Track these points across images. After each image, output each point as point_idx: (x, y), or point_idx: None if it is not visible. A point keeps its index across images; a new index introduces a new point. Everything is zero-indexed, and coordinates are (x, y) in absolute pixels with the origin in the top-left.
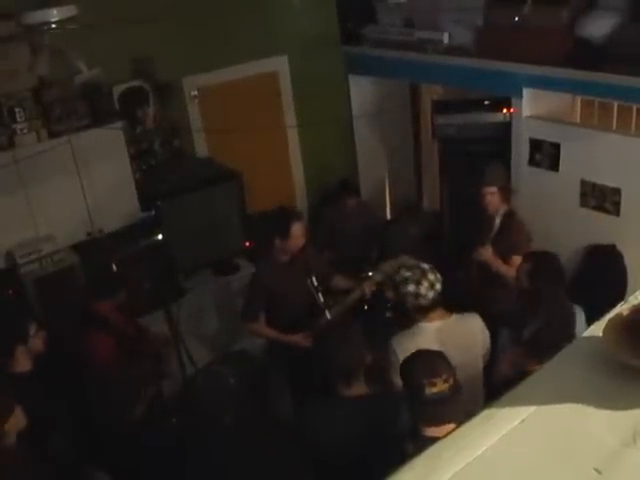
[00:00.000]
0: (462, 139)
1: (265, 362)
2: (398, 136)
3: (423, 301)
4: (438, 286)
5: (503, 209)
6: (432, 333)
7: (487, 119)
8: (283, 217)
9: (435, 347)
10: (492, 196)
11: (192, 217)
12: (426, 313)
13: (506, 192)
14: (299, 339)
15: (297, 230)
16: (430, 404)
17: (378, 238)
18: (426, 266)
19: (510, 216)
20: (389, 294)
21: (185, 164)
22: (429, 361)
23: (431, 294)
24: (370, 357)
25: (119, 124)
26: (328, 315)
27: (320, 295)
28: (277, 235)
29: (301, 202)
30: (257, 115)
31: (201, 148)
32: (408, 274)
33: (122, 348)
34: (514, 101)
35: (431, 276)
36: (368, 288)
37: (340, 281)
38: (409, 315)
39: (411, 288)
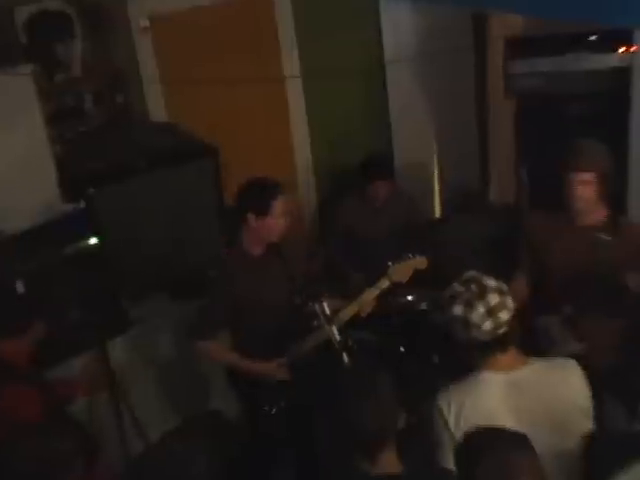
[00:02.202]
0: (551, 96)
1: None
2: (452, 94)
3: (478, 334)
4: (504, 315)
5: (603, 209)
6: (500, 389)
7: (591, 64)
8: (260, 188)
9: (507, 414)
10: (585, 187)
11: (143, 212)
12: (488, 355)
13: (608, 183)
14: (270, 369)
15: (280, 207)
16: None
17: (422, 243)
18: (492, 283)
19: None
20: (435, 322)
21: (132, 132)
22: (499, 455)
23: (489, 325)
24: (405, 420)
25: (27, 68)
26: (308, 344)
27: (307, 305)
28: (251, 212)
29: (307, 189)
30: (240, 58)
31: (156, 108)
32: (458, 289)
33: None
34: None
35: (493, 298)
36: (365, 307)
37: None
38: (462, 357)
39: (458, 311)
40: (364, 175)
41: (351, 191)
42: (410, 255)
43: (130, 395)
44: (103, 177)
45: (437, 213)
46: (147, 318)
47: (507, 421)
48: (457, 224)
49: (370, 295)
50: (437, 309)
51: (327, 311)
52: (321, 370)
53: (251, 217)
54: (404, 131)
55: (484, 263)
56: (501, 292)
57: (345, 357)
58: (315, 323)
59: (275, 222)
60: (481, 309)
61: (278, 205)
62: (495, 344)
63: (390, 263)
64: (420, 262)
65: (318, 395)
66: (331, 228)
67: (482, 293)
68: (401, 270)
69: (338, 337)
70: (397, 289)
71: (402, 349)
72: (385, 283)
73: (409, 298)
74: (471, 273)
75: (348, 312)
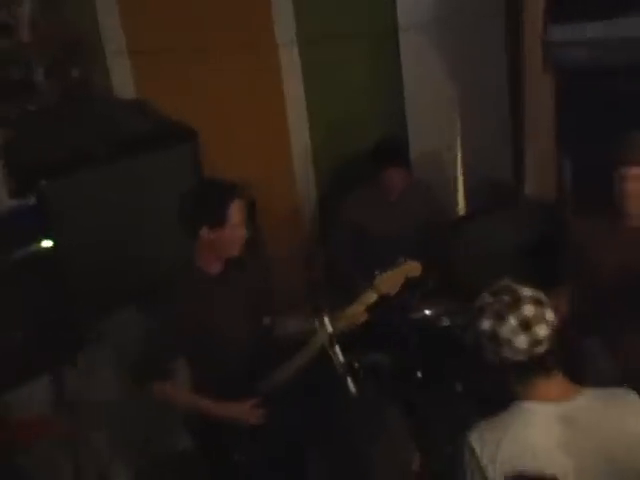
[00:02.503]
0: (600, 69)
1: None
2: (479, 67)
3: (511, 352)
4: (542, 330)
5: None
6: (547, 424)
7: None
8: (211, 194)
9: (557, 454)
10: (637, 183)
11: (107, 208)
12: (528, 381)
13: None
14: (241, 411)
15: (238, 214)
16: None
17: (442, 245)
18: (527, 292)
19: None
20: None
21: (93, 112)
22: None
23: (522, 341)
24: (421, 462)
25: None
26: (282, 375)
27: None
28: (204, 224)
29: (305, 181)
30: (223, 23)
31: (122, 83)
32: (488, 300)
33: None
34: None
35: (528, 309)
36: (350, 325)
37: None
38: (494, 384)
39: (486, 325)
40: (375, 161)
41: (359, 183)
42: (401, 260)
43: (91, 430)
44: (57, 167)
45: (460, 210)
46: (111, 335)
47: (557, 462)
48: (484, 223)
49: (354, 312)
50: (462, 325)
51: (329, 328)
52: (314, 399)
53: (204, 230)
54: (421, 111)
55: (517, 271)
56: (538, 302)
57: (350, 385)
58: (305, 339)
59: (233, 233)
60: (513, 322)
61: (235, 212)
62: (534, 366)
63: (377, 272)
64: (412, 268)
65: (311, 431)
66: (334, 227)
67: (515, 303)
68: (390, 279)
69: (342, 359)
70: (412, 302)
71: (419, 374)
72: (372, 297)
73: (427, 312)
74: (504, 282)
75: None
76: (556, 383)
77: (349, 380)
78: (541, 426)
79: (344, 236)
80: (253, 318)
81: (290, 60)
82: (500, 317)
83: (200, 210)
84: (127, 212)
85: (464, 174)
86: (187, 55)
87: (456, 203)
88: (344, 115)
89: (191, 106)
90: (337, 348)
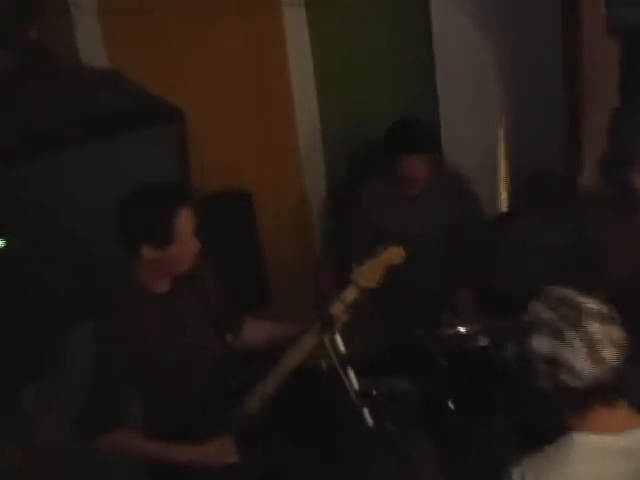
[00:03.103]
0: None
1: None
2: (528, 32)
3: (573, 380)
4: (610, 353)
5: None
6: (608, 459)
7: None
8: (152, 204)
9: None
10: None
11: (72, 202)
12: (588, 411)
13: None
14: (209, 452)
15: (186, 225)
16: None
17: (479, 247)
18: (592, 305)
19: None
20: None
21: (54, 85)
22: None
23: (588, 367)
24: None
25: None
26: (254, 404)
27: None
28: (147, 242)
29: (313, 169)
30: None
31: (91, 49)
32: (542, 314)
33: None
34: None
35: (595, 327)
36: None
37: (256, 331)
38: (544, 414)
39: (542, 345)
40: (388, 148)
41: (376, 172)
42: (380, 247)
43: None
44: (11, 151)
45: (502, 206)
46: (77, 357)
47: None
48: (532, 222)
49: (334, 312)
50: (504, 345)
51: (341, 347)
52: (310, 426)
53: (147, 249)
54: (455, 85)
55: (572, 278)
56: (606, 319)
57: (367, 416)
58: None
59: (183, 249)
60: (576, 342)
61: (184, 223)
62: (597, 394)
63: (354, 264)
64: (392, 253)
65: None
66: (348, 224)
67: (578, 320)
68: (370, 271)
69: (357, 385)
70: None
71: (451, 405)
72: (351, 294)
73: (461, 330)
74: (560, 290)
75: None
76: (620, 413)
77: (365, 411)
78: (598, 462)
79: (359, 234)
80: (213, 338)
81: (296, 24)
82: (560, 336)
83: (139, 226)
84: (96, 207)
85: (508, 163)
86: (172, 17)
87: (497, 198)
88: (360, 91)
89: (176, 79)
90: (350, 372)
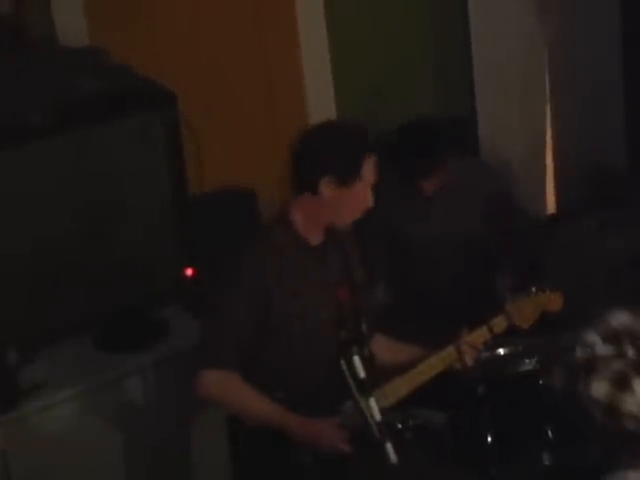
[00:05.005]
0: None
1: None
2: (580, 10)
3: (633, 425)
4: None
5: None
6: None
7: None
8: (345, 137)
9: None
10: None
11: (48, 200)
12: None
13: None
14: (327, 432)
15: (369, 170)
16: None
17: (521, 257)
18: None
19: None
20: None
21: (28, 66)
22: None
23: None
24: None
25: None
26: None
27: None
28: (329, 175)
29: None
30: None
31: (70, 24)
32: (601, 350)
33: None
34: None
35: None
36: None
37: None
38: (597, 451)
39: (599, 391)
40: (400, 161)
41: (399, 168)
42: (534, 290)
43: None
44: None
45: (549, 208)
46: (55, 382)
47: None
48: (584, 226)
49: (471, 342)
50: (551, 370)
51: (361, 372)
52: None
53: (327, 185)
54: (494, 70)
55: (630, 294)
56: None
57: (390, 452)
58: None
59: (364, 193)
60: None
61: (369, 168)
62: None
63: (508, 297)
64: (553, 300)
65: None
66: (364, 228)
67: None
68: (526, 309)
69: (379, 417)
70: None
71: (489, 439)
72: (502, 325)
73: (501, 352)
74: (622, 318)
75: (411, 380)
76: None
77: (388, 446)
78: None
79: (375, 239)
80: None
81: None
82: (622, 384)
83: (329, 158)
84: (79, 203)
85: (556, 158)
86: None
87: (542, 199)
88: (383, 77)
89: (167, 58)
90: (372, 401)
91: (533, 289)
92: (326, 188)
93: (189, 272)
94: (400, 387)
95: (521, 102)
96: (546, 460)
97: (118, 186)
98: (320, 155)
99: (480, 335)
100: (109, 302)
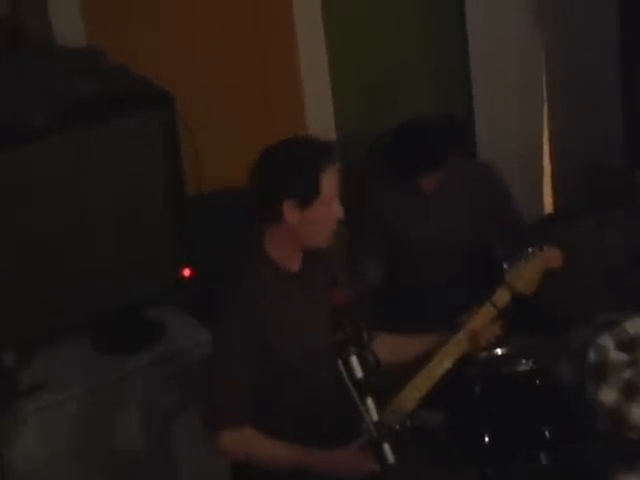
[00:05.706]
0: None
1: None
2: (580, 5)
3: (635, 434)
4: None
5: None
6: None
7: None
8: (299, 155)
9: None
10: None
11: (44, 201)
12: None
13: None
14: (354, 459)
15: (333, 182)
16: None
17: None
18: None
19: None
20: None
21: (25, 66)
22: None
23: None
24: None
25: None
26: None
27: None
28: (290, 198)
29: None
30: None
31: (67, 25)
32: (612, 356)
33: None
34: None
35: None
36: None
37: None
38: (596, 453)
39: (607, 398)
40: (398, 163)
41: (395, 167)
42: (530, 250)
43: None
44: None
45: (546, 207)
46: (53, 383)
47: None
48: (583, 227)
49: (479, 323)
50: (549, 370)
51: (358, 372)
52: None
53: (290, 207)
54: (492, 69)
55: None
56: None
57: (387, 452)
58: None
59: (328, 212)
60: None
61: (329, 180)
62: None
63: (505, 264)
64: (553, 256)
65: None
66: (361, 228)
67: None
68: (526, 273)
69: (376, 417)
70: None
71: (487, 439)
72: (505, 296)
73: (498, 351)
74: (631, 322)
75: (426, 378)
76: None
77: (385, 447)
78: None
79: (373, 240)
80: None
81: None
82: (631, 394)
83: (283, 182)
84: (73, 207)
85: (553, 159)
86: None
87: (539, 198)
88: (381, 76)
89: (164, 59)
90: (370, 401)
91: (529, 249)
92: (290, 214)
93: (187, 272)
94: (420, 384)
95: (518, 103)
96: (544, 460)
97: (116, 186)
98: (274, 183)
99: (485, 314)
100: (108, 302)
